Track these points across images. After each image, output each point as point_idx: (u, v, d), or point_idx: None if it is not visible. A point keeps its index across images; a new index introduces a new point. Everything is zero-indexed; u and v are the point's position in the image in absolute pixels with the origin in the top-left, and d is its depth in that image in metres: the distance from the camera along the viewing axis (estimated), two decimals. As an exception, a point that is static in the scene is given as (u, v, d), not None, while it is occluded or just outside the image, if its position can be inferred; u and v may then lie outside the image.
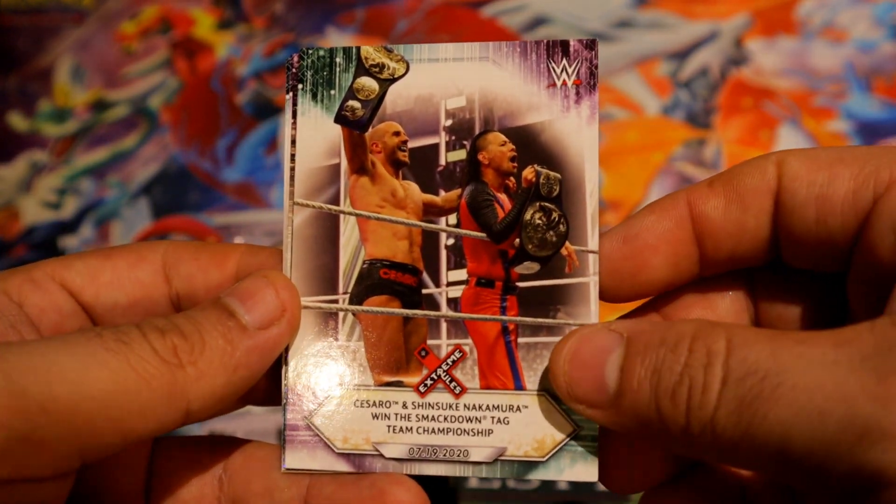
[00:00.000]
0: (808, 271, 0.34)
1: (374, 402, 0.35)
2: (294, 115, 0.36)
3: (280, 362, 0.35)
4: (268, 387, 0.36)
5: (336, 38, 0.80)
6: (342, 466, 0.34)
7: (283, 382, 0.35)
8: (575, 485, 0.57)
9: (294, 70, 0.36)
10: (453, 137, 0.35)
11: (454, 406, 0.34)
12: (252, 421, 0.64)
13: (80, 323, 0.36)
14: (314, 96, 0.36)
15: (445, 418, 0.34)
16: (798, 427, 0.26)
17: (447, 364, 0.35)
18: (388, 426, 0.34)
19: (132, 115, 0.79)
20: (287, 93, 0.36)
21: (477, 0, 0.81)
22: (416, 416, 0.34)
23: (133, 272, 0.37)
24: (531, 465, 0.34)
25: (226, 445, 0.37)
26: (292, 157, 0.36)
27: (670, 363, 0.29)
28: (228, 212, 0.74)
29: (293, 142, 0.36)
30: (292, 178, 0.36)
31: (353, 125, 0.35)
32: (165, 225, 0.74)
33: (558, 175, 0.34)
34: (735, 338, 0.28)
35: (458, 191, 0.35)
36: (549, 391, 0.34)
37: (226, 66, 0.80)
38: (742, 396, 0.27)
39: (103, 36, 0.83)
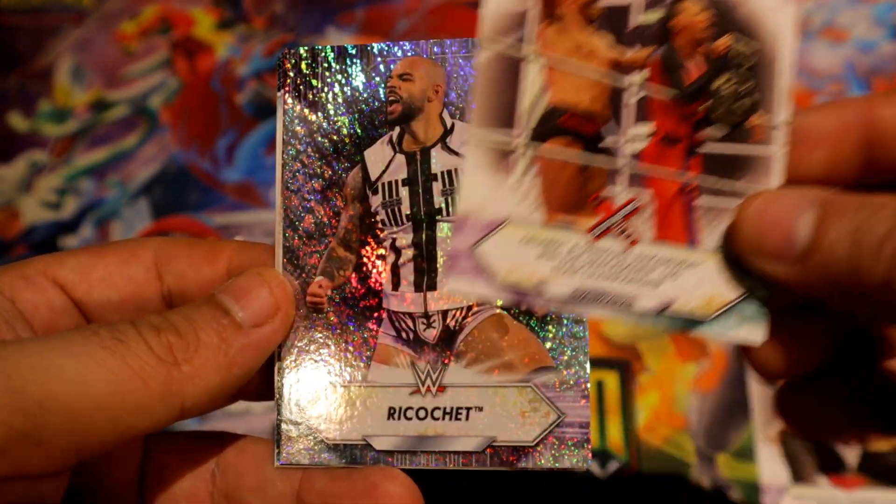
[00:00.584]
0: None
1: (544, 240, 0.33)
2: (285, 113, 0.36)
3: (273, 358, 0.35)
4: (260, 383, 0.37)
5: (336, 38, 0.80)
6: (506, 297, 0.33)
7: (276, 379, 0.36)
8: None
9: (285, 68, 0.36)
10: None
11: (625, 255, 0.33)
12: (252, 421, 0.64)
13: (73, 319, 0.36)
14: None
15: (615, 265, 0.33)
16: None
17: (623, 213, 0.33)
18: (555, 266, 0.33)
19: (132, 115, 0.79)
20: (278, 90, 0.37)
21: (477, 0, 0.81)
22: (585, 259, 0.33)
23: (125, 269, 0.37)
24: (695, 322, 0.33)
25: (219, 440, 0.37)
26: (282, 153, 0.37)
27: (873, 223, 0.28)
28: (228, 212, 0.74)
29: (283, 141, 0.37)
30: (284, 170, 0.36)
31: None
32: (165, 225, 0.74)
33: (755, 45, 0.33)
34: None
35: (650, 50, 0.34)
36: (724, 251, 0.33)
37: (226, 66, 0.80)
38: None
39: (103, 36, 0.83)
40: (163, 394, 0.30)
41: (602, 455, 0.58)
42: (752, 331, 0.33)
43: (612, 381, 0.61)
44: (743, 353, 0.34)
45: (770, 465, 0.57)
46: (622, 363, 0.62)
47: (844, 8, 0.75)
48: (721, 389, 0.60)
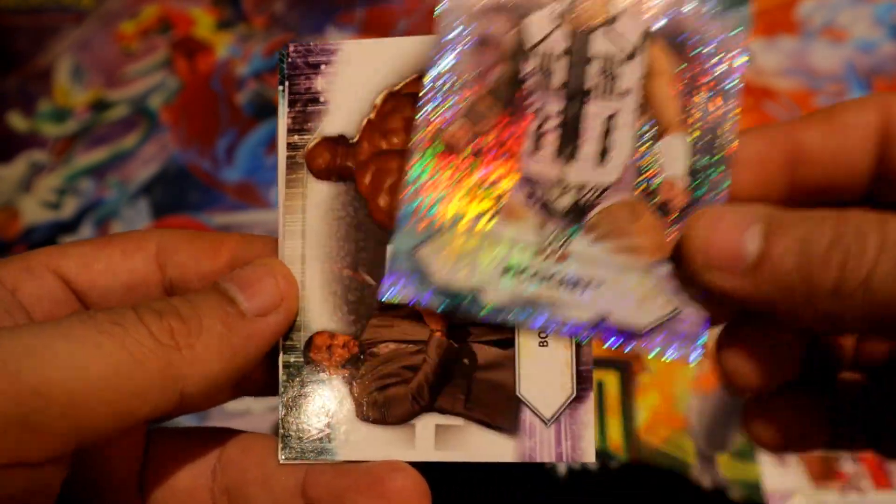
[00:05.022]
0: None
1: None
2: (290, 105, 0.36)
3: (277, 349, 0.35)
4: (264, 377, 0.37)
5: (336, 38, 0.80)
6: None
7: (280, 371, 0.36)
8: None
9: (288, 61, 0.36)
10: None
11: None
12: (253, 420, 0.64)
13: (74, 310, 0.36)
14: None
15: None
16: None
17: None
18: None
19: (132, 115, 0.79)
20: (279, 84, 0.37)
21: (477, 0, 0.81)
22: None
23: (127, 260, 0.37)
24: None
25: (221, 436, 0.37)
26: (287, 147, 0.37)
27: (819, 234, 0.29)
28: (228, 212, 0.74)
29: (288, 145, 0.37)
30: (289, 166, 0.36)
31: None
32: (165, 225, 0.74)
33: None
34: (885, 215, 0.29)
35: None
36: (671, 269, 0.34)
37: (226, 65, 0.80)
38: None
39: (103, 36, 0.83)
40: (161, 377, 0.30)
41: (602, 455, 0.58)
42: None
43: (612, 381, 0.61)
44: (716, 366, 0.35)
45: (772, 469, 0.57)
46: (622, 363, 0.62)
47: (844, 8, 0.75)
48: (721, 390, 0.60)
